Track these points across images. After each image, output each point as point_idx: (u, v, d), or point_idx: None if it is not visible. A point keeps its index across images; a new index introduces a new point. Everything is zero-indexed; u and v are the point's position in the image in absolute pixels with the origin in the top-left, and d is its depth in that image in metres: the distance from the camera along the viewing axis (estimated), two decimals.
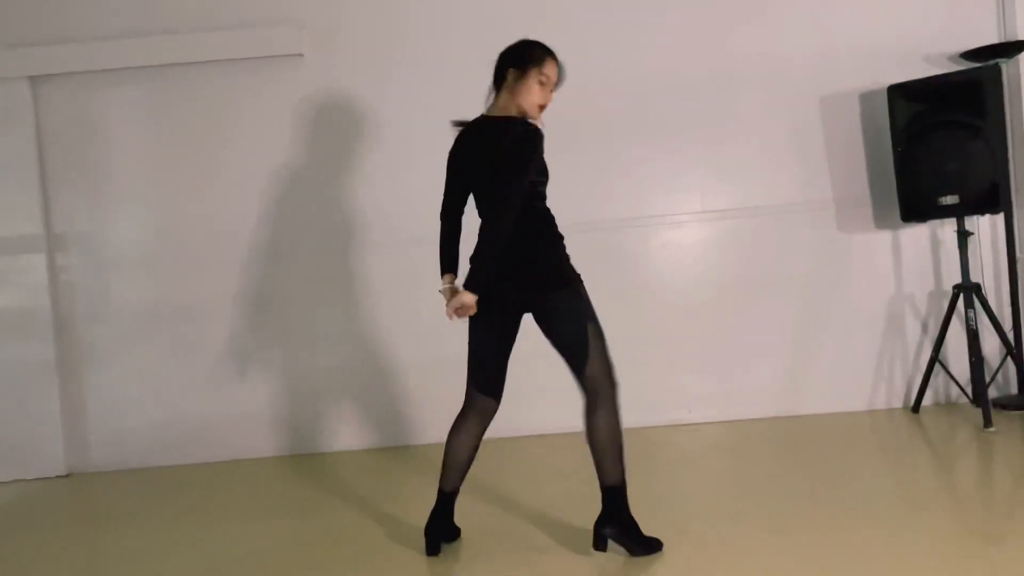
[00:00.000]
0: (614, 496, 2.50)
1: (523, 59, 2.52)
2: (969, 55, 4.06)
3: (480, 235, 2.47)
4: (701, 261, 4.36)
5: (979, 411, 3.84)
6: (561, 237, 2.55)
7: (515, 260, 2.45)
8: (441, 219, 2.71)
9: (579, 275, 2.53)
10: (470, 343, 2.63)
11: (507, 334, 2.60)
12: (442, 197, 2.71)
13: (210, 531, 3.20)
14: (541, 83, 2.53)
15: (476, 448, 2.65)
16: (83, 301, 4.48)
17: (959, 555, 2.36)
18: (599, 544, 2.51)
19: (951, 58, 4.23)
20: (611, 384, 2.49)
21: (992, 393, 4.12)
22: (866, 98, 4.29)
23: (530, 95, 2.52)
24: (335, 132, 4.40)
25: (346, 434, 4.41)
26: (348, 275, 4.40)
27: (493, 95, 2.61)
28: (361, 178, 4.39)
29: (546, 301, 2.47)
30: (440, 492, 2.67)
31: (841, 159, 4.32)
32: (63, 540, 3.34)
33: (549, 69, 2.55)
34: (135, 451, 4.43)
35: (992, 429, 3.70)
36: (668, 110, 4.33)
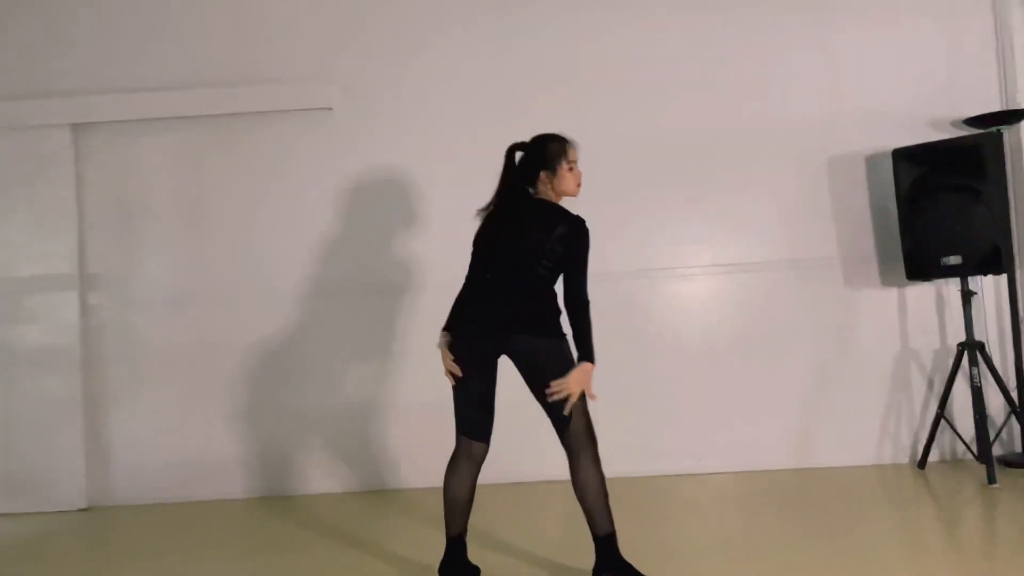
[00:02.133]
0: (607, 544, 2.60)
1: (548, 160, 2.77)
2: (971, 121, 4.22)
3: (580, 317, 2.65)
4: (710, 313, 4.47)
5: (984, 468, 3.89)
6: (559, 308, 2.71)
7: (509, 306, 2.65)
8: (468, 283, 2.83)
9: (566, 335, 2.68)
10: (456, 392, 2.75)
11: (491, 378, 2.73)
12: (472, 263, 2.84)
13: (227, 567, 3.27)
14: (570, 169, 2.79)
15: (473, 489, 2.75)
16: (111, 340, 4.63)
17: None
18: None
19: (954, 123, 4.39)
20: (592, 440, 2.64)
21: (996, 450, 4.17)
22: (872, 160, 4.44)
23: (565, 183, 2.79)
24: (362, 184, 4.58)
25: (369, 474, 4.49)
26: (374, 321, 4.53)
27: (528, 184, 2.80)
28: (391, 223, 4.55)
29: (536, 346, 2.62)
30: (448, 538, 2.75)
31: (848, 217, 4.45)
32: (80, 573, 3.43)
33: (572, 155, 2.80)
34: (154, 486, 4.53)
35: (996, 485, 3.75)
36: (681, 166, 4.48)
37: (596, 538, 2.60)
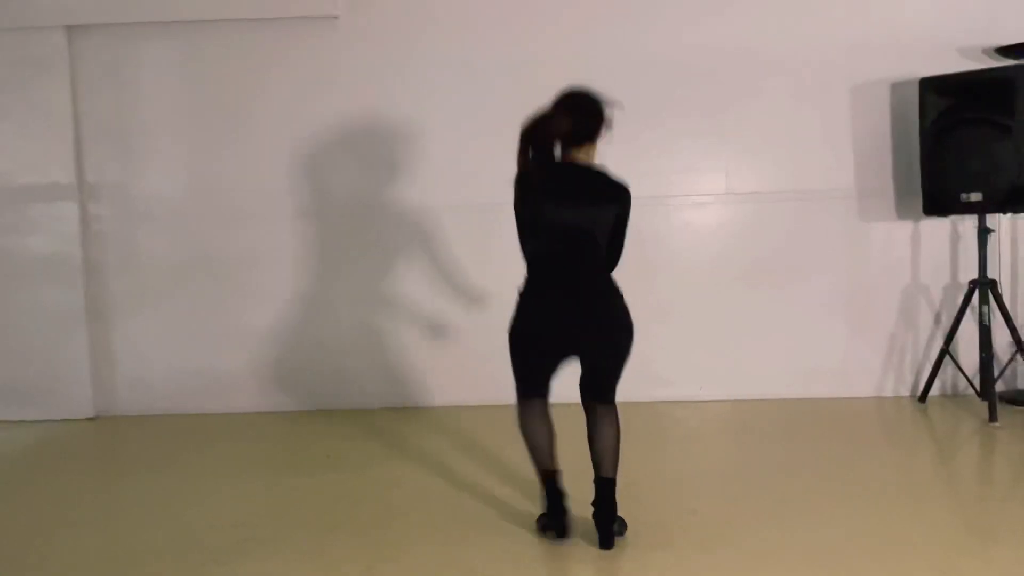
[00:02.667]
0: (612, 487, 2.57)
1: (603, 128, 2.64)
2: (1004, 51, 4.05)
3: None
4: (721, 242, 4.41)
5: (985, 405, 3.92)
6: None
7: (589, 315, 2.55)
8: (533, 271, 2.64)
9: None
10: (518, 362, 2.63)
11: (562, 359, 2.64)
12: (530, 242, 2.66)
13: (234, 482, 3.33)
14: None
15: (551, 428, 2.68)
16: (113, 251, 4.58)
17: (952, 547, 2.46)
18: (608, 543, 2.55)
19: (986, 51, 4.22)
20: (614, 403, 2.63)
21: (998, 387, 4.19)
22: (897, 89, 4.29)
23: (598, 153, 2.67)
24: (368, 95, 4.44)
25: (365, 392, 4.53)
26: (376, 237, 4.48)
27: (570, 148, 2.60)
28: (392, 143, 4.44)
29: (617, 339, 2.58)
30: (541, 477, 2.67)
31: (867, 148, 4.34)
32: (89, 482, 3.50)
33: None
34: (160, 398, 4.57)
35: (997, 424, 3.78)
36: (699, 89, 4.34)
37: (607, 480, 2.58)
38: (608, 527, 2.54)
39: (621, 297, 2.59)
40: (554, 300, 2.55)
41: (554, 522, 2.62)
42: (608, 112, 2.61)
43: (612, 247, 2.63)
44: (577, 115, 2.58)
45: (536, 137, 2.53)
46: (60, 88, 4.46)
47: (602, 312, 2.57)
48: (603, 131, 2.61)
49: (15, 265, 4.54)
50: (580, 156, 2.60)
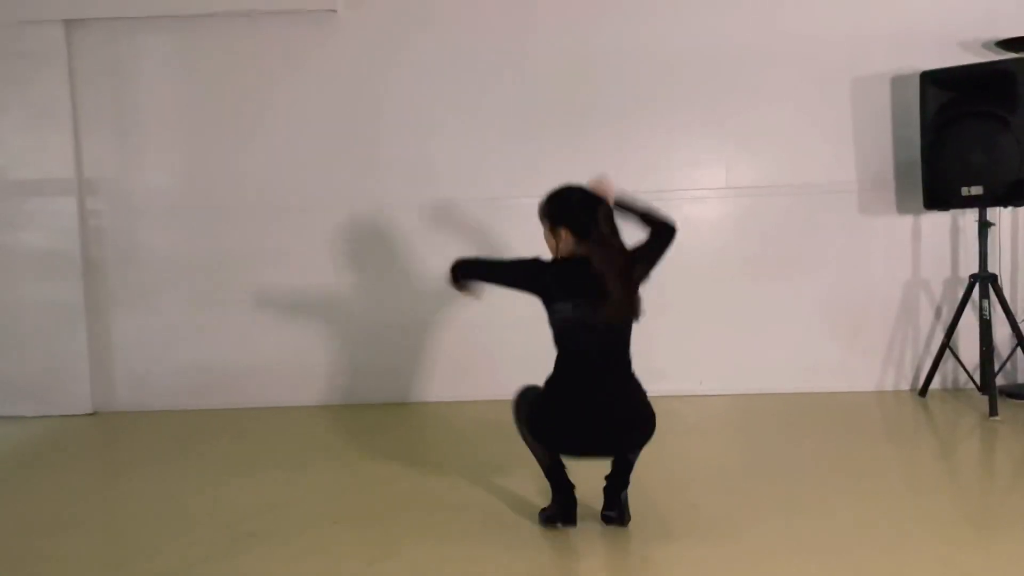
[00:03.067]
0: (629, 467, 2.61)
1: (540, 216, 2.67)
2: (1005, 44, 4.04)
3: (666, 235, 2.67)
4: (721, 237, 4.41)
5: (985, 399, 3.92)
6: None
7: (624, 406, 2.55)
8: (565, 374, 2.59)
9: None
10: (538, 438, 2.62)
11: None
12: (564, 343, 2.59)
13: (234, 477, 3.32)
14: None
15: None
16: (111, 245, 4.57)
17: (953, 540, 2.46)
18: (613, 507, 2.60)
19: (986, 45, 4.21)
20: None
21: (999, 381, 4.19)
22: (897, 82, 4.28)
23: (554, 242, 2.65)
24: (366, 89, 4.43)
25: (365, 387, 4.52)
26: (375, 233, 4.47)
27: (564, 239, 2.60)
28: (391, 137, 4.43)
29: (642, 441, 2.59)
30: (547, 471, 2.66)
31: (868, 142, 4.33)
32: (89, 477, 3.49)
33: None
34: (159, 394, 4.56)
35: (997, 418, 3.78)
36: (697, 83, 4.33)
37: (626, 461, 2.61)
38: (615, 495, 2.59)
39: (640, 389, 2.58)
40: (584, 403, 2.52)
41: (564, 512, 2.62)
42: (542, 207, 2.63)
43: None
44: (604, 207, 2.63)
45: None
46: (58, 82, 4.44)
47: (626, 416, 2.54)
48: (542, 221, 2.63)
49: (13, 260, 4.52)
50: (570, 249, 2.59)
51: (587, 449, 2.56)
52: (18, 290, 4.52)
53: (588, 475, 2.64)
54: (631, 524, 2.61)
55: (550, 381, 2.58)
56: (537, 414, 2.57)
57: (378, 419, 4.21)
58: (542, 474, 2.66)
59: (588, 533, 2.59)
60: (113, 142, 4.53)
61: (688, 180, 4.38)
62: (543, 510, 2.70)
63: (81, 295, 4.52)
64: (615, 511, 2.59)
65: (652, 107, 4.36)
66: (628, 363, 2.58)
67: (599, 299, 2.48)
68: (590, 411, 2.50)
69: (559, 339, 2.58)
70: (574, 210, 2.57)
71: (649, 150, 4.36)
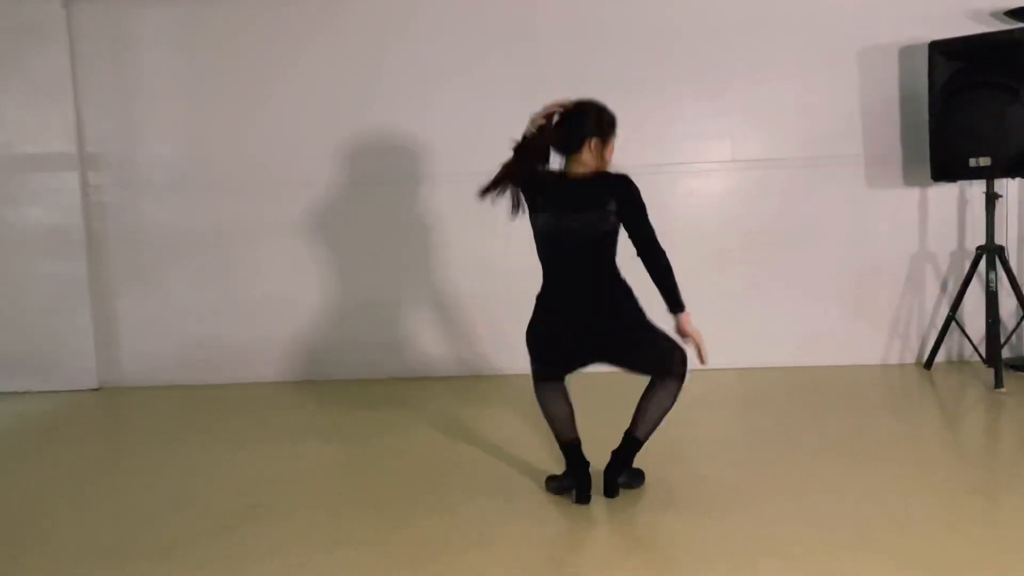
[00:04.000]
0: (635, 446, 2.63)
1: (607, 129, 2.61)
2: (1013, 13, 3.99)
3: (663, 268, 2.58)
4: (726, 210, 4.38)
5: (990, 371, 3.91)
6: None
7: (598, 323, 2.57)
8: (545, 279, 2.66)
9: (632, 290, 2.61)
10: (533, 359, 2.67)
11: (579, 367, 2.68)
12: (539, 252, 2.66)
13: (240, 451, 3.33)
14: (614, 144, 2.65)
15: (569, 403, 2.70)
16: (115, 221, 4.56)
17: (960, 509, 2.46)
18: (612, 491, 2.63)
19: (995, 15, 4.16)
20: (684, 375, 2.63)
21: (1004, 353, 4.18)
22: (905, 53, 4.23)
23: (611, 154, 2.64)
24: (368, 64, 4.39)
25: (371, 362, 4.52)
26: (378, 207, 4.45)
27: (566, 159, 2.61)
28: (394, 111, 4.40)
29: (631, 337, 2.59)
30: (563, 446, 2.69)
31: (875, 114, 4.30)
32: (96, 451, 3.50)
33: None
34: (164, 369, 4.57)
35: (1003, 390, 3.78)
36: (703, 55, 4.29)
37: (632, 438, 2.63)
38: (612, 478, 2.62)
39: (626, 294, 2.58)
40: (561, 314, 2.60)
41: (578, 490, 2.63)
42: (598, 117, 2.59)
43: (639, 235, 2.57)
44: (564, 125, 2.59)
45: (527, 152, 2.57)
46: (59, 57, 4.42)
47: (606, 322, 2.57)
48: (595, 136, 2.58)
49: (17, 237, 4.52)
50: (578, 165, 2.59)
51: (574, 358, 2.62)
52: (22, 266, 4.52)
53: (601, 454, 2.64)
54: (640, 494, 2.63)
55: (537, 296, 2.66)
56: (528, 334, 2.64)
57: (384, 394, 4.21)
58: (551, 447, 2.67)
59: (596, 503, 2.60)
60: (115, 117, 4.50)
61: (694, 153, 4.35)
62: (551, 478, 2.71)
63: (85, 271, 4.52)
64: (613, 493, 2.63)
65: (657, 80, 4.31)
66: (609, 274, 2.58)
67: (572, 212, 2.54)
68: (570, 320, 2.57)
69: (539, 254, 2.64)
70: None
71: (655, 123, 4.33)
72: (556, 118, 2.60)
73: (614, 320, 2.58)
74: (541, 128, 2.58)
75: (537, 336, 2.65)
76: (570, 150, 2.59)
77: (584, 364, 2.66)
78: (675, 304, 2.59)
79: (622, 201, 2.55)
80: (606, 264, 2.59)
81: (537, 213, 2.62)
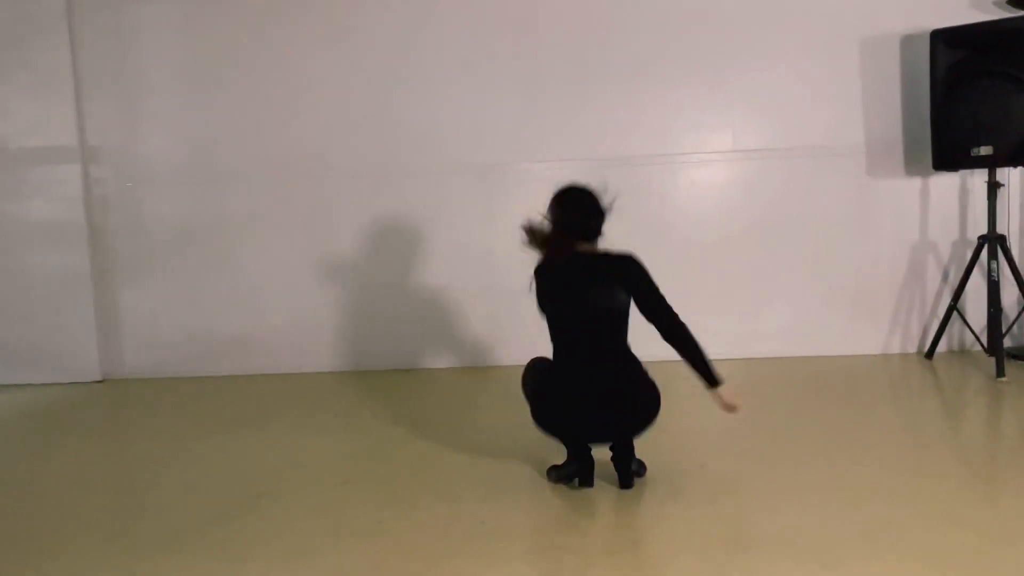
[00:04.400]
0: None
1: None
2: (1016, 2, 3.98)
3: (687, 340, 2.59)
4: (728, 200, 4.38)
5: (992, 360, 3.92)
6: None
7: (614, 406, 2.56)
8: (556, 358, 2.66)
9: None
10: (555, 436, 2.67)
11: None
12: (551, 332, 2.65)
13: (243, 441, 3.34)
14: None
15: None
16: (117, 213, 4.57)
17: (961, 496, 2.47)
18: (628, 482, 2.63)
19: (998, 3, 4.15)
20: None
21: (1006, 343, 4.18)
22: (907, 42, 4.23)
23: None
24: (373, 53, 4.39)
25: (373, 354, 4.54)
26: (384, 197, 4.45)
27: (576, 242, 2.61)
28: (398, 103, 4.40)
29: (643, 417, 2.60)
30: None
31: (877, 103, 4.29)
32: (99, 442, 3.51)
33: None
34: (167, 360, 4.58)
35: (1004, 379, 3.78)
36: (704, 45, 4.29)
37: (629, 461, 2.65)
38: (627, 468, 2.62)
39: (641, 375, 2.59)
40: (575, 396, 2.56)
41: (582, 473, 2.65)
42: (608, 207, 2.61)
43: (653, 309, 2.57)
44: (584, 214, 2.60)
45: (546, 238, 2.58)
46: (59, 48, 4.42)
47: (622, 405, 2.56)
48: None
49: (19, 229, 4.53)
50: (585, 245, 2.61)
51: (586, 438, 2.63)
52: (25, 259, 4.53)
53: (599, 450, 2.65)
54: (641, 483, 2.64)
55: (549, 371, 2.64)
56: (538, 404, 2.64)
57: (387, 384, 4.22)
58: (551, 439, 2.68)
59: (598, 491, 2.61)
60: (116, 109, 4.51)
61: (695, 143, 4.35)
62: (553, 467, 2.72)
63: (88, 263, 4.53)
64: (629, 479, 2.63)
65: (659, 70, 4.31)
66: (621, 352, 2.59)
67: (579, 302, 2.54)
68: (585, 403, 2.54)
69: (551, 334, 2.63)
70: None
71: (656, 114, 4.33)
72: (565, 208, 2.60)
73: (634, 399, 2.57)
74: (559, 219, 2.59)
75: (544, 423, 2.63)
76: (588, 238, 2.61)
77: (604, 439, 2.62)
78: (712, 380, 2.57)
79: (631, 276, 2.57)
80: (619, 344, 2.59)
81: (548, 299, 2.61)
